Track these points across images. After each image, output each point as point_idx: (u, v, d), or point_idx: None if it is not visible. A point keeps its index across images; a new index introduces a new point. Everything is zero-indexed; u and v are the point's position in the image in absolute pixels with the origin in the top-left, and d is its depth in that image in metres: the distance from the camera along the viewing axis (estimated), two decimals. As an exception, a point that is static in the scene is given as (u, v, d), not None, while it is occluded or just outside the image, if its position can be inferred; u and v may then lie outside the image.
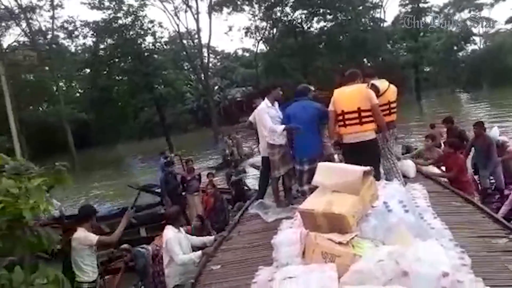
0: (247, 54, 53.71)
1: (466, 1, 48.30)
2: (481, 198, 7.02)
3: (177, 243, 4.58)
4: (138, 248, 6.13)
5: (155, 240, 5.86)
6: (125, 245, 6.23)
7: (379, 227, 3.01)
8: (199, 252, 4.56)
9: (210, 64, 42.96)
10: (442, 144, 8.04)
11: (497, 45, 46.37)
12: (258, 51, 42.03)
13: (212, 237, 5.19)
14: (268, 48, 41.10)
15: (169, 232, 4.70)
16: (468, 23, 49.45)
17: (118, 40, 33.31)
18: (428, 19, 49.66)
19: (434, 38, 48.19)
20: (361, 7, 38.34)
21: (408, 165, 6.10)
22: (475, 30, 50.28)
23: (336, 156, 6.05)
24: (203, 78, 37.48)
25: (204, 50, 37.43)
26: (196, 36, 36.90)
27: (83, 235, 4.63)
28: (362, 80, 4.99)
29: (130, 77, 34.26)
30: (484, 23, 50.45)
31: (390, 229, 2.99)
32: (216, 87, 46.97)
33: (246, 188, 10.18)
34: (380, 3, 42.24)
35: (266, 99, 5.52)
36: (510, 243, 3.61)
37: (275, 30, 40.18)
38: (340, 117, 4.76)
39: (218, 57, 56.19)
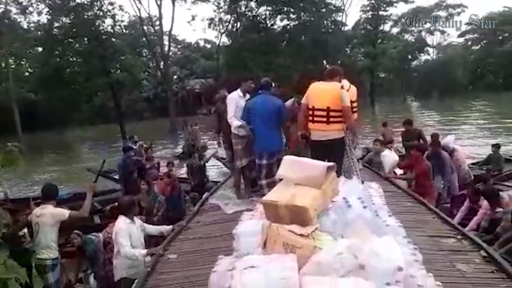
0: (209, 46, 53.25)
1: (423, 12, 50.42)
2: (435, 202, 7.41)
3: (126, 235, 4.38)
4: (89, 235, 5.97)
5: (107, 227, 5.71)
6: (75, 231, 6.02)
7: (339, 221, 3.10)
8: (144, 251, 4.39)
9: (170, 53, 42.16)
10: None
11: (448, 57, 48.88)
12: (221, 43, 41.86)
13: (169, 227, 5.11)
14: (231, 41, 40.92)
15: (120, 222, 4.50)
16: (423, 34, 51.85)
17: (74, 19, 31.84)
18: (387, 27, 51.68)
19: (391, 46, 50.04)
20: (324, 9, 39.02)
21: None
22: (429, 41, 52.78)
23: None
24: (162, 66, 36.74)
25: (165, 37, 36.76)
26: (158, 22, 36.16)
27: (56, 210, 4.61)
28: (341, 79, 4.98)
29: (86, 59, 32.86)
30: (438, 35, 53.04)
31: (349, 224, 3.09)
32: (175, 77, 46.22)
33: (206, 179, 10.14)
34: (342, 7, 43.28)
35: (238, 90, 5.52)
36: (457, 244, 3.88)
37: (239, 24, 40.05)
38: (310, 112, 4.80)
39: (179, 46, 55.26)
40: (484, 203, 6.02)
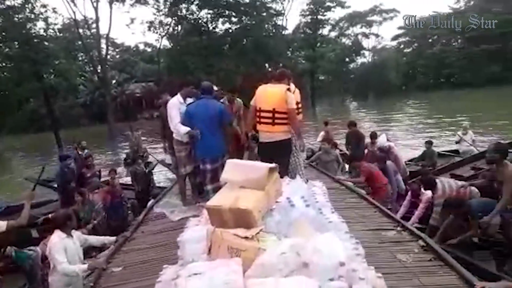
0: (149, 49, 52.18)
1: (359, 17, 52.69)
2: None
3: (61, 251, 4.11)
4: (26, 249, 5.58)
5: (45, 240, 5.37)
6: (8, 248, 5.59)
7: (283, 221, 3.13)
8: (84, 266, 4.14)
9: (108, 56, 40.61)
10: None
11: (382, 60, 51.45)
12: (161, 46, 41.09)
13: (113, 238, 4.89)
14: (171, 44, 40.30)
15: (55, 237, 4.22)
16: (360, 37, 54.22)
17: (4, 23, 29.79)
18: (325, 31, 53.48)
19: (329, 49, 51.83)
20: (265, 13, 39.58)
21: None
22: (365, 45, 55.24)
23: None
24: (99, 70, 35.36)
25: (103, 41, 35.39)
26: (94, 25, 34.74)
27: None
28: (289, 82, 5.04)
29: (16, 64, 30.85)
30: (373, 39, 55.64)
31: (293, 223, 3.13)
32: (114, 81, 44.69)
33: (151, 185, 9.87)
34: (282, 11, 44.14)
35: (178, 95, 5.41)
36: (398, 235, 4.07)
37: (179, 27, 39.57)
38: (258, 114, 4.87)
39: (117, 49, 53.47)
40: (425, 197, 6.31)
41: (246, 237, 2.83)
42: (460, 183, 6.05)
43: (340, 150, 10.35)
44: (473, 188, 5.91)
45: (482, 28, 47.54)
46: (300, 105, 5.43)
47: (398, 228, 4.23)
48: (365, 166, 7.35)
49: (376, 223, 4.45)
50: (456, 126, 16.46)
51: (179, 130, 5.17)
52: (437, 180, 6.02)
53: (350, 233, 3.15)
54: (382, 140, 9.14)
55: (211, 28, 39.72)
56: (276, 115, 4.72)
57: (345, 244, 2.96)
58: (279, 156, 4.70)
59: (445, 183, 5.92)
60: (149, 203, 6.40)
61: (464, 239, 5.18)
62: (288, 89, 4.77)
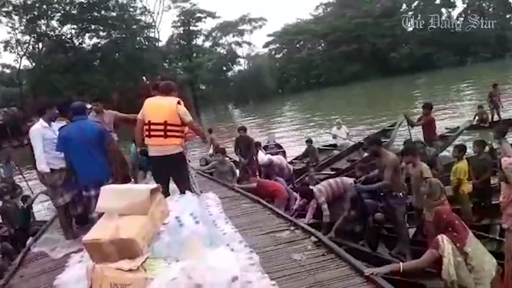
0: (8, 71, 46.63)
1: (230, 26, 54.16)
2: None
3: None
4: None
5: None
6: None
7: (173, 243, 2.94)
8: None
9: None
10: None
11: (257, 66, 53.59)
12: (22, 67, 37.06)
13: None
14: (33, 64, 36.62)
15: None
16: (233, 46, 55.76)
17: None
18: (199, 41, 53.87)
19: (206, 59, 52.38)
20: (134, 26, 38.36)
21: None
22: (239, 53, 56.97)
23: None
24: None
25: None
26: None
27: None
28: (176, 94, 4.85)
29: None
30: (246, 47, 57.66)
31: (183, 243, 2.96)
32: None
33: (32, 221, 8.63)
34: (153, 23, 43.27)
35: (41, 119, 4.78)
36: (291, 234, 4.12)
37: (40, 44, 36.20)
38: (147, 127, 4.56)
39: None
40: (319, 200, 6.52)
41: (130, 270, 2.60)
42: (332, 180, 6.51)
43: (230, 158, 10.36)
44: (344, 179, 6.49)
45: (340, 32, 53.01)
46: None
47: (292, 228, 4.30)
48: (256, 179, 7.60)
49: (270, 225, 4.47)
50: (330, 122, 17.78)
51: (41, 162, 4.61)
52: (312, 188, 6.34)
53: (244, 242, 3.05)
54: (261, 157, 9.37)
55: (77, 43, 37.17)
56: (168, 127, 4.47)
57: (239, 255, 2.89)
58: (176, 171, 4.55)
59: (320, 186, 6.29)
60: (28, 242, 5.55)
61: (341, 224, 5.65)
62: (179, 102, 4.60)
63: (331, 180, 6.51)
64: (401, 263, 3.39)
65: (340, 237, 5.68)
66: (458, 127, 11.58)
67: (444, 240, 3.17)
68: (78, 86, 30.24)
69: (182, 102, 4.63)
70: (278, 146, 13.04)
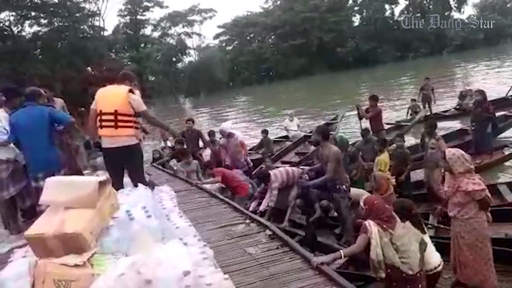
0: None
1: (179, 17, 53.15)
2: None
3: None
4: None
5: None
6: None
7: (122, 238, 2.84)
8: None
9: None
10: None
11: (207, 58, 53.04)
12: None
13: None
14: (-33, 53, 33.99)
15: None
16: (183, 37, 54.78)
17: None
18: (147, 31, 52.46)
19: (154, 49, 51.09)
20: (78, 14, 36.61)
21: None
22: (189, 44, 56.09)
23: None
24: None
25: None
26: None
27: None
28: (132, 84, 4.61)
29: None
30: (197, 38, 56.89)
31: (133, 238, 2.86)
32: None
33: None
34: (98, 11, 41.52)
35: None
36: (246, 228, 4.14)
37: (-25, 32, 33.67)
38: (99, 118, 4.33)
39: None
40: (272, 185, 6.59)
41: (76, 265, 2.48)
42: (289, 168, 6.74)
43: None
44: (296, 169, 6.71)
45: (288, 25, 53.69)
46: None
47: (247, 221, 4.32)
48: (217, 170, 7.58)
49: (225, 219, 4.48)
50: (281, 114, 18.00)
51: None
52: (270, 172, 6.53)
53: (198, 236, 3.02)
54: (225, 126, 9.36)
55: (16, 31, 34.88)
56: (119, 117, 4.25)
57: (192, 249, 2.84)
58: (129, 163, 4.37)
59: (276, 172, 6.50)
60: None
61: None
62: (131, 91, 4.34)
63: (288, 168, 6.73)
64: (341, 251, 3.56)
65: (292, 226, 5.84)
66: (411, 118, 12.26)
67: (371, 224, 3.42)
68: (16, 76, 28.47)
69: (136, 91, 4.43)
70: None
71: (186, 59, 56.18)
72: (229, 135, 9.09)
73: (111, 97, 4.37)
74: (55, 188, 2.92)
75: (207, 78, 48.96)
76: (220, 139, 9.85)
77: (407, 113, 13.67)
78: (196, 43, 57.51)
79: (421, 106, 14.15)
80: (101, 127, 4.35)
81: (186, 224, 3.21)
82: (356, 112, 9.96)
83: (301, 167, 7.07)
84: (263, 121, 21.38)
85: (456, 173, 3.95)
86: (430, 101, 14.28)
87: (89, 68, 35.15)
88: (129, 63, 47.43)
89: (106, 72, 30.47)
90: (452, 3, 57.28)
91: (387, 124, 11.88)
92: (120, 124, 4.27)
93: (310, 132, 12.56)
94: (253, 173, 8.50)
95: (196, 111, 35.89)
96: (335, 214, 5.97)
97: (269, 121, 20.56)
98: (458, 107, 13.92)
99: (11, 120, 4.52)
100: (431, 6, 57.57)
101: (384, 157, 6.75)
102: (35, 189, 4.49)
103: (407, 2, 58.10)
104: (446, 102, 15.69)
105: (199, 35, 56.63)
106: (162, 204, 3.52)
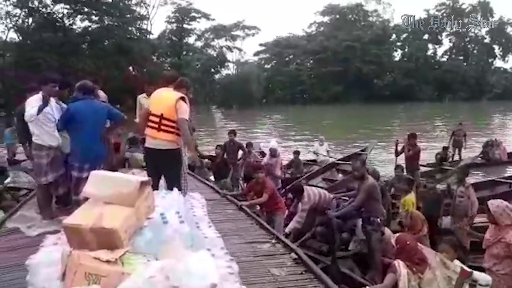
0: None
1: (223, 30, 54.24)
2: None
3: None
4: None
5: None
6: None
7: (154, 240, 2.90)
8: None
9: None
10: None
11: (245, 73, 53.69)
12: (8, 39, 36.02)
13: None
14: (21, 38, 35.65)
15: None
16: (224, 50, 55.79)
17: None
18: (191, 40, 53.71)
19: (195, 58, 52.15)
20: (128, 15, 37.96)
21: None
22: (229, 57, 57.02)
23: None
24: None
25: None
26: None
27: None
28: (188, 92, 4.71)
29: None
30: (237, 52, 57.80)
31: (165, 242, 2.92)
32: None
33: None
34: (147, 16, 42.95)
35: (40, 93, 4.70)
36: (272, 248, 4.10)
37: (30, 19, 35.34)
38: (148, 117, 4.49)
39: None
40: (299, 206, 6.37)
41: (108, 261, 2.52)
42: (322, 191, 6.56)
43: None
44: (327, 193, 6.49)
45: (329, 52, 53.92)
46: None
47: (273, 241, 4.29)
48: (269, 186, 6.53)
49: (252, 235, 4.45)
50: (312, 138, 17.94)
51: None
52: (304, 187, 6.38)
53: (225, 249, 3.05)
54: (275, 145, 9.48)
55: (67, 24, 36.40)
56: (163, 121, 4.36)
57: (219, 262, 2.87)
58: (165, 166, 4.43)
59: (310, 192, 6.26)
60: (1, 217, 5.41)
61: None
62: (182, 98, 4.42)
63: (321, 191, 6.51)
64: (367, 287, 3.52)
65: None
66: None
67: (400, 265, 3.38)
68: (62, 68, 29.61)
69: (186, 100, 4.49)
70: (263, 154, 13.01)
71: (224, 72, 57.11)
72: (276, 155, 9.12)
73: (162, 100, 4.49)
74: (99, 182, 3.01)
75: (241, 92, 49.42)
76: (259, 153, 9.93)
77: (436, 158, 13.20)
78: (236, 57, 58.41)
79: (451, 152, 13.84)
80: (148, 126, 4.48)
81: (214, 235, 3.25)
82: (394, 149, 9.76)
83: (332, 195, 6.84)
84: (293, 142, 21.36)
85: (502, 225, 3.86)
86: (461, 147, 13.92)
87: (131, 68, 36.13)
88: (168, 68, 48.60)
89: (147, 76, 31.10)
90: (497, 51, 56.26)
91: (426, 165, 11.66)
92: (163, 127, 4.38)
93: (340, 160, 12.52)
94: (287, 188, 8.34)
95: (226, 123, 36.23)
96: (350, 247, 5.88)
97: (299, 143, 20.52)
98: (481, 155, 13.55)
99: (70, 109, 4.68)
100: (475, 51, 56.70)
101: (411, 197, 6.64)
102: (77, 179, 4.58)
103: (451, 44, 57.48)
104: (475, 150, 15.23)
105: (240, 50, 57.54)
106: (193, 211, 3.58)
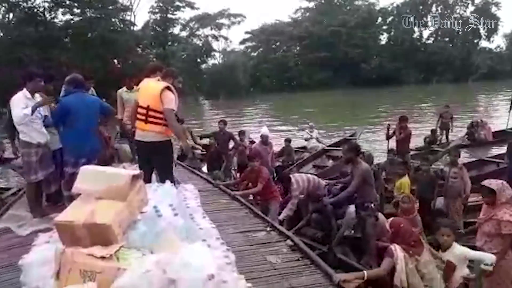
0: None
1: (208, 19, 53.61)
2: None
3: None
4: None
5: None
6: None
7: (149, 233, 2.86)
8: None
9: None
10: None
11: (231, 62, 53.30)
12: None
13: None
14: (1, 34, 34.90)
15: None
16: (210, 39, 55.21)
17: None
18: (176, 30, 53.01)
19: (180, 48, 51.54)
20: (111, 7, 37.28)
21: None
22: (215, 47, 56.46)
23: None
24: None
25: None
26: None
27: None
28: (175, 81, 4.64)
29: None
30: (223, 41, 57.26)
31: (159, 235, 2.89)
32: None
33: None
34: (130, 6, 42.22)
35: (24, 90, 4.58)
36: (267, 235, 4.10)
37: (11, 15, 34.56)
38: (137, 110, 4.44)
39: None
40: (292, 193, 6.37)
41: (102, 257, 2.50)
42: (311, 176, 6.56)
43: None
44: (318, 179, 6.50)
45: (315, 37, 53.72)
46: None
47: (268, 229, 4.29)
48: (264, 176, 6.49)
49: (247, 224, 4.46)
50: (300, 124, 17.95)
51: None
52: (291, 175, 6.41)
53: (220, 239, 3.04)
54: (264, 130, 9.51)
55: (49, 18, 35.67)
56: (150, 113, 4.29)
57: (216, 253, 2.86)
58: (155, 158, 4.39)
59: (298, 178, 6.30)
60: None
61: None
62: (168, 88, 4.34)
63: (310, 176, 6.52)
64: (365, 271, 3.53)
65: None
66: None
67: (397, 248, 3.40)
68: (44, 61, 29.05)
69: (173, 89, 4.41)
70: (252, 142, 12.98)
71: (210, 61, 56.54)
72: (267, 142, 9.13)
73: (147, 91, 4.43)
74: (89, 177, 2.96)
75: (228, 81, 49.12)
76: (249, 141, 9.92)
77: (424, 141, 13.28)
78: (222, 46, 57.83)
79: (439, 134, 13.95)
80: (136, 119, 4.44)
81: (209, 226, 3.23)
82: (385, 132, 9.78)
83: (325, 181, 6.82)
84: (282, 129, 21.36)
85: (498, 203, 3.87)
86: (448, 129, 14.11)
87: (115, 60, 35.64)
88: (153, 59, 48.00)
89: (132, 68, 30.77)
90: (482, 31, 56.62)
91: (415, 149, 11.73)
92: (150, 119, 4.33)
93: (330, 146, 12.55)
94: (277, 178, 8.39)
95: (214, 113, 36.05)
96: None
97: (287, 130, 20.54)
98: (467, 136, 13.72)
99: (62, 103, 4.59)
100: (460, 32, 57.00)
101: (406, 180, 6.69)
102: (70, 174, 4.46)
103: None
104: (462, 131, 15.37)
105: (225, 38, 56.96)
106: (186, 202, 3.55)
